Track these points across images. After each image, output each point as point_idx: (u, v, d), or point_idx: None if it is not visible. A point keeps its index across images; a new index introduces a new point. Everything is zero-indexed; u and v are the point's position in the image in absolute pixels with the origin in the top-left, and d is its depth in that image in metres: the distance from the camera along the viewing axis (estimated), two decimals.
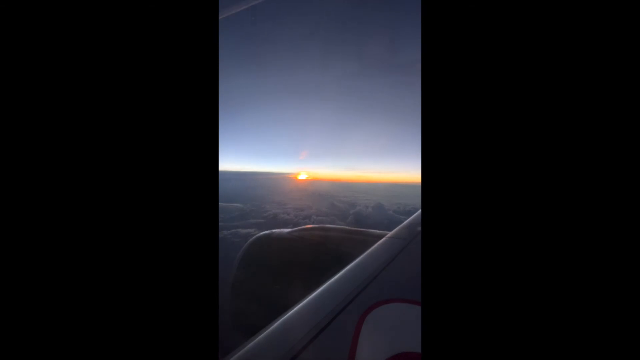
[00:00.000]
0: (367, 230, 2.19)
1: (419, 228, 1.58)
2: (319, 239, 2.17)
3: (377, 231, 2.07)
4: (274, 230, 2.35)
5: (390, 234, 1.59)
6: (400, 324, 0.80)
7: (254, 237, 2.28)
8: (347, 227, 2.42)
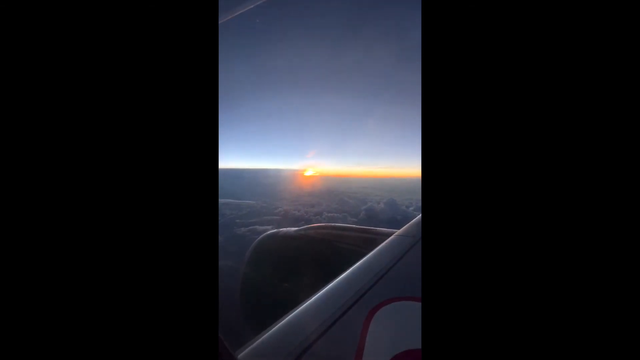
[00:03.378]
0: (374, 228, 2.19)
1: None
2: (326, 237, 2.18)
3: (385, 229, 2.07)
4: (281, 229, 2.39)
5: (398, 231, 1.58)
6: (409, 321, 0.80)
7: (261, 235, 2.32)
8: (354, 226, 2.42)
